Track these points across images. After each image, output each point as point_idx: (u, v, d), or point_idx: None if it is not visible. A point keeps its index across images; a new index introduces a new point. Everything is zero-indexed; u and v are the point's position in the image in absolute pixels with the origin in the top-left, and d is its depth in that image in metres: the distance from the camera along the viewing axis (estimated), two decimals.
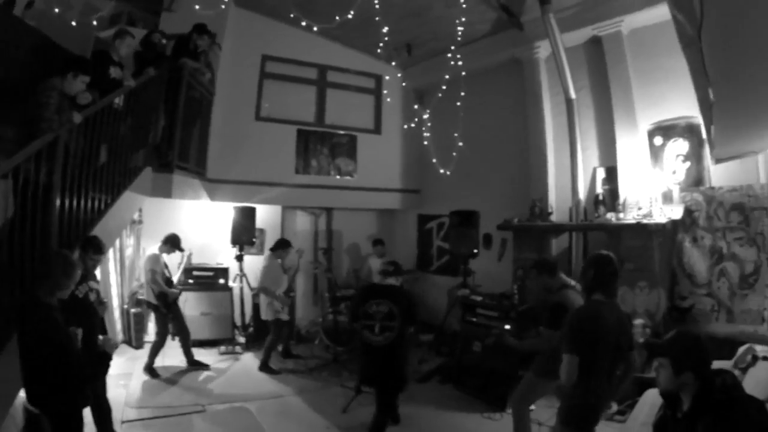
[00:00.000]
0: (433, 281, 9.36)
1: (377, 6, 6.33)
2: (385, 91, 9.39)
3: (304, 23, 6.66)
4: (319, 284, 9.36)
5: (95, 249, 4.15)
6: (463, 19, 6.79)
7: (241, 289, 8.10)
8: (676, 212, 5.74)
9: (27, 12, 5.57)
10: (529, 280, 5.58)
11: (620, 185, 6.40)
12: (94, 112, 4.58)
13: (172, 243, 6.90)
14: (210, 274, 8.18)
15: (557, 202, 7.22)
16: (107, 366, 3.30)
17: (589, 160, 6.89)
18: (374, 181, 9.30)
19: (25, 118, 4.06)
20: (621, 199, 6.24)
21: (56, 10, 6.02)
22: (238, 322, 8.23)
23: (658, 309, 5.57)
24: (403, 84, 9.29)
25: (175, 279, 6.99)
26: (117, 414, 4.65)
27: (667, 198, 5.96)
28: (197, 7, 6.80)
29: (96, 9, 6.55)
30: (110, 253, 7.24)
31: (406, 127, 8.89)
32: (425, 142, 8.16)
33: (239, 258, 8.06)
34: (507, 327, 5.72)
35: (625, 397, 4.87)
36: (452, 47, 7.25)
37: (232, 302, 8.15)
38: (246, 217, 8.11)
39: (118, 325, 7.70)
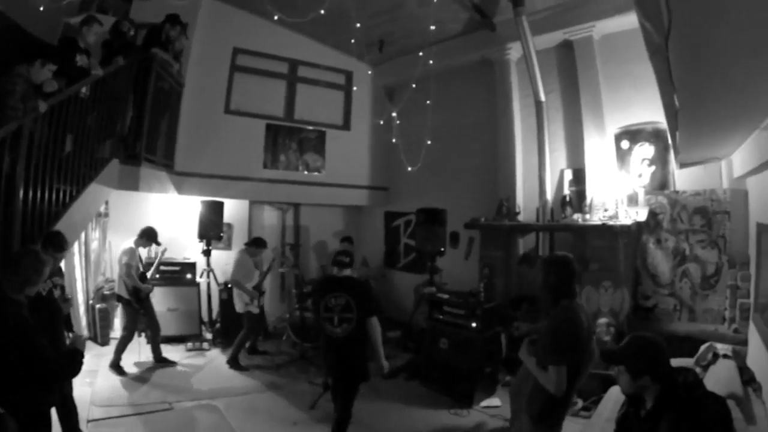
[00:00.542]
0: (400, 278, 9.40)
1: (350, 2, 6.31)
2: (355, 88, 9.37)
3: (276, 17, 6.59)
4: (287, 280, 9.30)
5: (56, 247, 4.02)
6: (436, 19, 6.80)
7: (209, 284, 7.99)
8: (641, 214, 5.88)
9: None
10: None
11: (587, 187, 6.53)
12: (60, 101, 4.47)
13: (148, 236, 6.74)
14: (177, 269, 8.03)
15: (525, 202, 7.32)
16: (79, 365, 3.22)
17: (556, 161, 7.01)
18: (342, 178, 9.27)
19: None
20: (587, 201, 6.37)
21: None
22: (206, 317, 8.12)
23: (622, 308, 5.70)
24: (374, 81, 9.27)
25: (149, 274, 6.84)
26: (83, 413, 4.54)
27: (633, 200, 6.10)
28: None
29: None
30: (75, 247, 7.04)
31: (375, 124, 8.86)
32: (394, 140, 8.17)
33: (206, 253, 7.95)
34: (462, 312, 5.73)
35: (590, 394, 4.97)
36: (424, 46, 7.26)
37: (200, 298, 8.03)
38: (214, 211, 8.00)
39: (83, 321, 7.49)
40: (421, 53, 7.29)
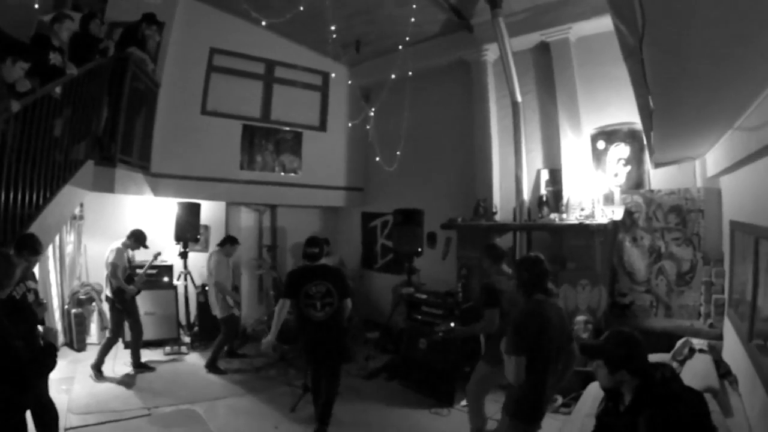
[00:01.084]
0: (378, 279, 9.41)
1: (327, 2, 6.29)
2: (331, 89, 9.35)
3: (254, 15, 6.53)
4: (264, 282, 9.23)
5: (31, 250, 3.91)
6: (413, 19, 6.79)
7: (186, 287, 7.91)
8: (617, 213, 5.97)
9: None
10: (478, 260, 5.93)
11: (563, 187, 6.61)
12: (33, 100, 4.38)
13: (137, 238, 6.65)
14: (154, 272, 7.85)
15: (501, 202, 7.38)
16: (54, 358, 3.15)
17: (533, 161, 7.07)
18: (319, 179, 9.24)
19: None
20: (564, 200, 6.46)
21: None
22: (183, 321, 8.03)
23: (599, 305, 5.78)
24: (350, 82, 9.24)
25: (137, 278, 6.74)
26: (60, 421, 4.45)
27: (609, 200, 6.18)
28: None
29: None
30: (50, 250, 6.91)
31: (351, 124, 8.85)
32: (370, 140, 8.16)
33: (183, 255, 7.87)
34: (452, 324, 5.83)
35: (569, 390, 5.03)
36: (400, 46, 7.27)
37: (177, 301, 7.95)
38: (190, 213, 7.93)
39: (59, 326, 7.33)
40: (398, 52, 7.30)
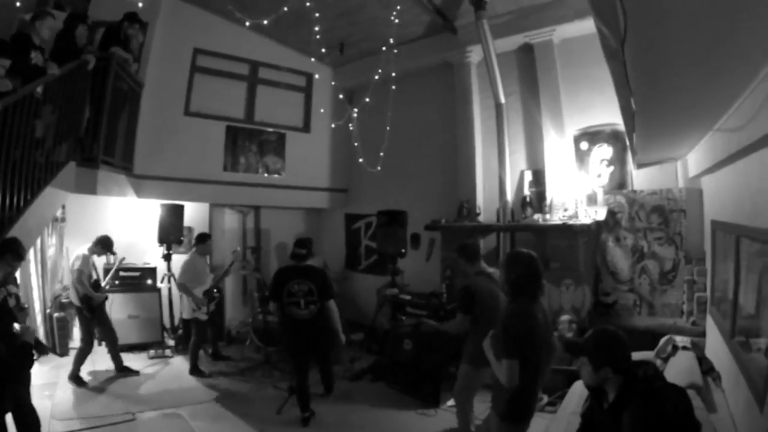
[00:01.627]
0: (362, 280, 9.39)
1: (311, 4, 6.28)
2: (315, 90, 9.33)
3: (238, 16, 6.50)
4: (248, 284, 9.17)
5: (14, 255, 3.86)
6: (397, 21, 6.81)
7: (170, 289, 7.82)
8: (600, 214, 6.03)
9: None
10: (453, 261, 5.96)
11: (547, 187, 6.66)
12: (14, 100, 4.31)
13: (103, 245, 6.50)
14: (137, 274, 7.83)
15: (485, 203, 7.41)
16: (31, 357, 3.11)
17: (516, 163, 7.11)
18: (302, 180, 9.22)
19: None
20: (547, 201, 6.50)
21: None
22: (167, 324, 7.96)
23: (583, 305, 5.84)
24: (334, 83, 9.20)
25: (103, 283, 6.63)
26: (43, 427, 4.35)
27: (592, 200, 6.24)
28: None
29: None
30: (31, 253, 6.78)
31: (334, 126, 8.83)
32: (354, 142, 8.17)
33: (167, 257, 7.80)
34: (424, 313, 5.87)
35: (555, 389, 5.07)
36: (384, 48, 7.26)
37: (161, 303, 7.86)
38: (174, 214, 7.86)
39: (41, 331, 7.15)
40: (382, 54, 7.30)
